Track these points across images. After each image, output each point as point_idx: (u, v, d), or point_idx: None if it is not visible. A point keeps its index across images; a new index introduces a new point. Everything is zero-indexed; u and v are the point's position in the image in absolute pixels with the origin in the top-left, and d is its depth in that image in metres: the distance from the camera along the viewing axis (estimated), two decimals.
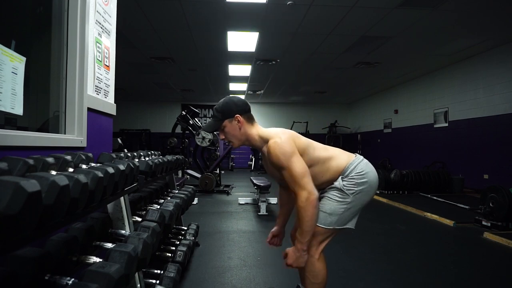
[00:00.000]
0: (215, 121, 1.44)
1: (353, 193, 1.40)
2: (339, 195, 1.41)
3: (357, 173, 1.41)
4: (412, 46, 5.77)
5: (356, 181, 1.40)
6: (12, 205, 0.57)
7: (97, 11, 1.71)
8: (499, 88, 5.70)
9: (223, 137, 1.47)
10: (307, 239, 1.31)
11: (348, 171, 1.42)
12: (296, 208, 1.31)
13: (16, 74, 1.17)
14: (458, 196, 5.58)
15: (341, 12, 4.36)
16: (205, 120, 12.48)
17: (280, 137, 1.35)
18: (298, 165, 1.31)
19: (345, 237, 3.12)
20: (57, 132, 1.55)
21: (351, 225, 1.45)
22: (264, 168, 1.60)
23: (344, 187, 1.40)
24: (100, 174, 0.98)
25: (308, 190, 1.28)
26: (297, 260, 1.34)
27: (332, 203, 1.41)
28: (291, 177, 1.30)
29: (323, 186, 1.48)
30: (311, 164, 1.40)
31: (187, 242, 2.23)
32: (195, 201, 4.94)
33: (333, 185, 1.44)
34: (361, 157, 1.48)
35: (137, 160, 1.77)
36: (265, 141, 1.42)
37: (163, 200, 2.29)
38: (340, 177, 1.43)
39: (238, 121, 1.42)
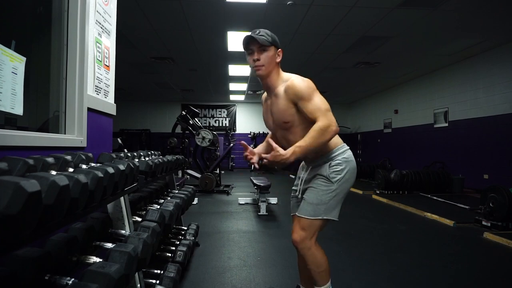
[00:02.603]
0: (265, 40, 1.41)
1: (337, 180, 1.46)
2: (324, 183, 1.46)
3: (344, 157, 1.49)
4: (412, 46, 5.77)
5: (341, 167, 1.47)
6: (12, 205, 0.57)
7: (97, 11, 1.71)
8: (499, 88, 5.70)
9: (258, 57, 1.43)
10: (300, 155, 1.33)
11: (339, 151, 1.50)
12: (312, 130, 1.33)
13: (16, 74, 1.17)
14: (458, 196, 5.58)
15: (341, 12, 4.36)
16: (205, 120, 12.49)
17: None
18: (323, 100, 1.40)
19: (345, 237, 3.12)
20: (57, 132, 1.55)
21: (335, 216, 1.48)
22: (264, 118, 1.62)
23: (330, 175, 1.46)
24: (100, 174, 0.97)
25: (332, 121, 1.34)
26: (277, 158, 1.32)
27: (317, 192, 1.46)
28: (314, 106, 1.37)
29: (314, 156, 1.52)
30: None
31: (187, 242, 2.23)
32: (195, 201, 4.94)
33: (319, 173, 1.49)
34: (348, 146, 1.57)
35: (137, 160, 1.77)
36: (285, 80, 1.46)
37: (163, 200, 2.29)
38: (329, 160, 1.49)
39: (279, 55, 1.47)
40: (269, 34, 1.44)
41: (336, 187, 1.46)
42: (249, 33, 1.42)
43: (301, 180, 1.61)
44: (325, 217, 1.45)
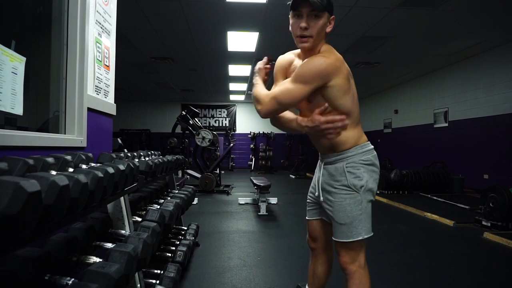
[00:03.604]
0: (318, 4, 1.14)
1: (360, 187, 1.23)
2: (348, 195, 1.24)
3: (362, 160, 1.26)
4: (412, 46, 5.77)
5: (358, 171, 1.24)
6: (12, 205, 0.57)
7: (97, 11, 1.71)
8: (499, 88, 5.70)
9: (306, 25, 1.17)
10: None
11: (359, 152, 1.26)
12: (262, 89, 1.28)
13: (16, 74, 1.17)
14: (458, 196, 5.58)
15: (341, 12, 4.35)
16: (205, 120, 12.49)
17: (329, 56, 1.22)
18: (294, 89, 1.18)
19: None
20: (57, 132, 1.55)
21: (371, 231, 1.29)
22: None
23: (352, 183, 1.24)
24: (100, 174, 0.97)
25: (263, 108, 1.22)
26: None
27: (345, 208, 1.24)
28: (276, 88, 1.26)
29: (327, 150, 1.30)
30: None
31: (187, 242, 2.23)
32: (195, 201, 4.94)
33: (340, 183, 1.25)
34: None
35: (137, 160, 1.77)
36: (322, 51, 1.27)
37: (163, 200, 2.29)
38: (343, 159, 1.26)
39: (330, 23, 1.22)
40: None
41: (362, 196, 1.24)
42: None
43: (318, 179, 1.36)
44: (365, 236, 1.26)
